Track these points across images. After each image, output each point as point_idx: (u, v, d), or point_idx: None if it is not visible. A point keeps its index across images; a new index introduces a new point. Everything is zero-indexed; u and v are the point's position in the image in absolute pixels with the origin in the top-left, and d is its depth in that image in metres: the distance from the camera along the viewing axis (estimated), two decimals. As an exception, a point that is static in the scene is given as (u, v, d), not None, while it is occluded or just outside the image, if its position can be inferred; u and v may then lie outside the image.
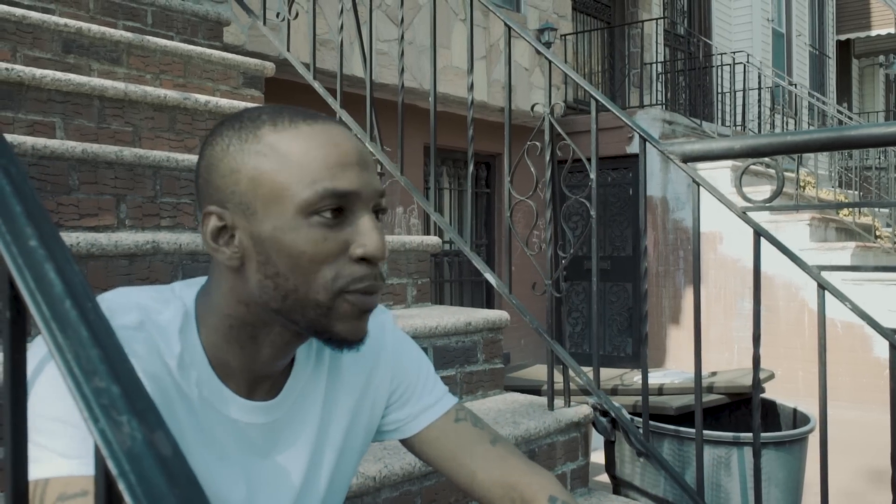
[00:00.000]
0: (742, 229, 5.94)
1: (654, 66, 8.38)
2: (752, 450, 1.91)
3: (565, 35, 7.29)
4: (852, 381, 5.74)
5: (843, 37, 13.12)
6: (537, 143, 2.32)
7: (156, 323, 0.78)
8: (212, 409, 0.81)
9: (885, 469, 1.83)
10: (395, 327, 1.00)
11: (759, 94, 8.58)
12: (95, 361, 0.49)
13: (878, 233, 7.24)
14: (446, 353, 2.18)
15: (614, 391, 2.44)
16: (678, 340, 6.72)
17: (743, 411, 2.47)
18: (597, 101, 2.28)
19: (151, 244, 1.80)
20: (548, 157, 2.35)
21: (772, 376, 2.55)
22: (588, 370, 2.18)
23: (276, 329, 0.80)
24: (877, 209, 8.27)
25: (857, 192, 8.75)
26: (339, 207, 0.75)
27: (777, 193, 1.91)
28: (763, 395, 2.50)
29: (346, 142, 0.77)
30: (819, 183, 9.18)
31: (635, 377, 2.56)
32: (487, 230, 7.09)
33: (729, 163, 6.61)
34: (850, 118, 11.87)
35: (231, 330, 0.80)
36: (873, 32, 12.90)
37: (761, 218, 6.16)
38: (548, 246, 2.31)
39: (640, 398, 2.22)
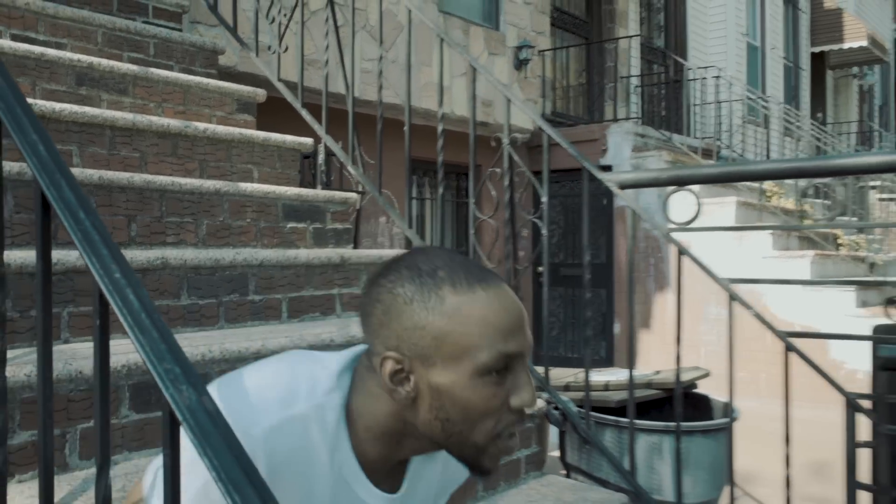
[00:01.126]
0: (707, 238, 6.28)
1: (629, 80, 8.72)
2: (681, 437, 2.22)
3: (543, 51, 7.61)
4: (810, 381, 6.05)
5: (816, 49, 13.52)
6: (497, 170, 2.63)
7: (320, 406, 0.90)
8: (347, 488, 0.92)
9: (827, 462, 2.13)
10: None
11: (731, 107, 8.93)
12: (164, 352, 0.80)
13: (839, 241, 7.59)
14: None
15: (567, 388, 2.75)
16: (648, 343, 7.04)
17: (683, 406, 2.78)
18: (549, 135, 2.58)
19: (161, 260, 2.09)
20: (506, 183, 2.65)
21: (706, 374, 2.86)
22: (543, 370, 2.49)
23: (423, 443, 0.91)
24: (842, 218, 8.62)
25: (823, 201, 9.12)
26: (506, 366, 0.86)
27: (695, 217, 2.22)
28: (697, 391, 2.82)
29: (514, 305, 0.87)
30: (791, 192, 9.54)
31: (592, 375, 2.87)
32: (467, 239, 7.39)
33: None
34: (823, 129, 12.27)
35: (383, 436, 0.91)
36: (846, 45, 13.31)
37: (730, 223, 6.50)
38: (506, 261, 2.62)
39: (586, 393, 2.54)
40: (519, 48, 7.06)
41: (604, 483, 2.40)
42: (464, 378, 0.84)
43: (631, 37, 8.54)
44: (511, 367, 0.86)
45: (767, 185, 7.95)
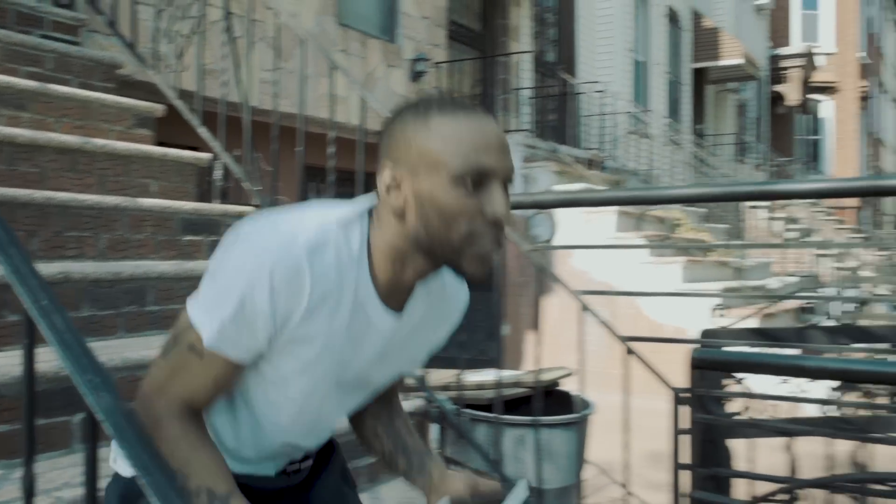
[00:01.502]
0: (596, 252, 6.71)
1: (521, 92, 9.13)
2: (543, 429, 2.53)
3: (440, 63, 7.91)
4: (676, 378, 6.59)
5: (697, 65, 14.40)
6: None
7: (342, 244, 1.02)
8: (361, 311, 1.05)
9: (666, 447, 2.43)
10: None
11: (616, 120, 9.48)
12: (86, 365, 1.01)
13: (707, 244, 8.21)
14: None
15: (447, 388, 3.02)
16: (534, 343, 7.44)
17: (548, 400, 3.11)
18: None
19: (62, 274, 2.24)
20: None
21: (569, 374, 3.20)
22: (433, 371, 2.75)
23: (420, 260, 1.04)
24: (715, 224, 9.30)
25: (697, 209, 9.79)
26: (479, 180, 0.98)
27: (552, 236, 2.52)
28: (560, 388, 3.15)
29: (493, 130, 1.01)
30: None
31: (468, 376, 3.16)
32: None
33: (582, 185, 7.40)
34: (702, 140, 13.10)
35: (391, 256, 1.04)
36: (723, 62, 14.23)
37: (610, 235, 6.97)
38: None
39: (465, 392, 2.82)
40: (415, 60, 7.33)
41: (477, 473, 2.68)
42: (441, 184, 0.97)
43: (523, 52, 8.96)
44: (486, 183, 0.98)
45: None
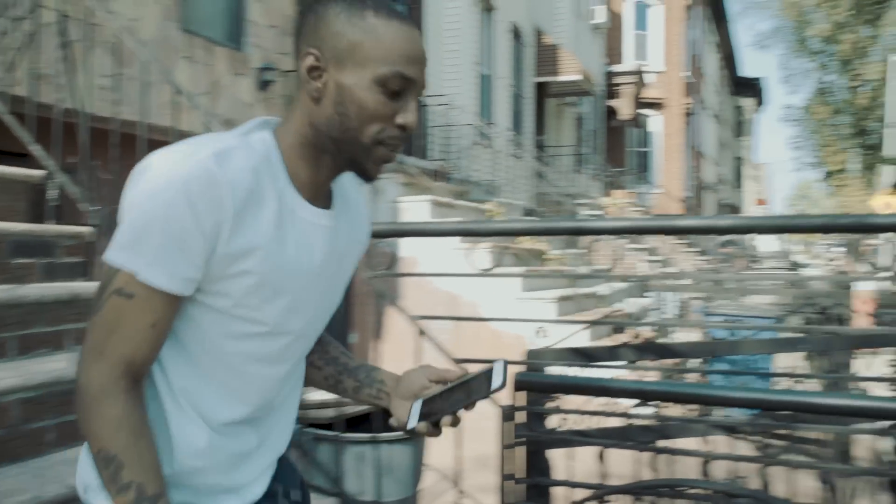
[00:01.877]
0: (435, 255, 6.94)
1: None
2: (383, 445, 2.66)
3: (288, 71, 7.89)
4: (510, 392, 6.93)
5: (539, 80, 15.09)
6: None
7: (247, 148, 1.01)
8: (291, 214, 1.04)
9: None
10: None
11: (461, 131, 9.79)
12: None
13: (546, 257, 8.67)
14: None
15: (290, 406, 3.09)
16: (382, 353, 7.59)
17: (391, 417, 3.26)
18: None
19: None
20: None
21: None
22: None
23: (329, 157, 1.06)
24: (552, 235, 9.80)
25: (533, 219, 10.27)
26: (400, 88, 1.02)
27: (391, 265, 2.66)
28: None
29: (420, 43, 1.04)
30: (511, 212, 10.64)
31: (310, 394, 3.24)
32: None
33: (429, 196, 7.62)
34: (543, 151, 13.69)
35: (302, 148, 1.05)
36: (562, 78, 15.00)
37: (456, 242, 7.22)
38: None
39: (307, 411, 2.91)
40: (263, 69, 7.28)
41: (319, 490, 2.78)
42: (365, 82, 1.00)
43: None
44: (404, 93, 1.02)
45: (489, 205, 8.87)
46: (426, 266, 7.44)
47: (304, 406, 3.02)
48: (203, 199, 0.94)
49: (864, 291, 7.33)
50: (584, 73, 15.31)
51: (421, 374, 1.16)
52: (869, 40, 28.71)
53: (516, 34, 14.09)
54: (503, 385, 1.05)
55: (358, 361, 1.27)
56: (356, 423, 2.99)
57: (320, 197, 1.09)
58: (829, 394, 2.34)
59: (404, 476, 2.87)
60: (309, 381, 1.27)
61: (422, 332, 2.70)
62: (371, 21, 1.01)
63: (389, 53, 1.00)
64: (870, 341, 3.25)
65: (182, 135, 3.49)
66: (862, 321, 6.53)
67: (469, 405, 1.07)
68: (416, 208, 7.47)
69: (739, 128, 45.40)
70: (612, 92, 19.78)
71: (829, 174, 36.99)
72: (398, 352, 7.17)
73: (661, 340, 6.19)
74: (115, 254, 0.96)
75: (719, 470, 2.19)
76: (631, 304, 8.78)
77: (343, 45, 1.01)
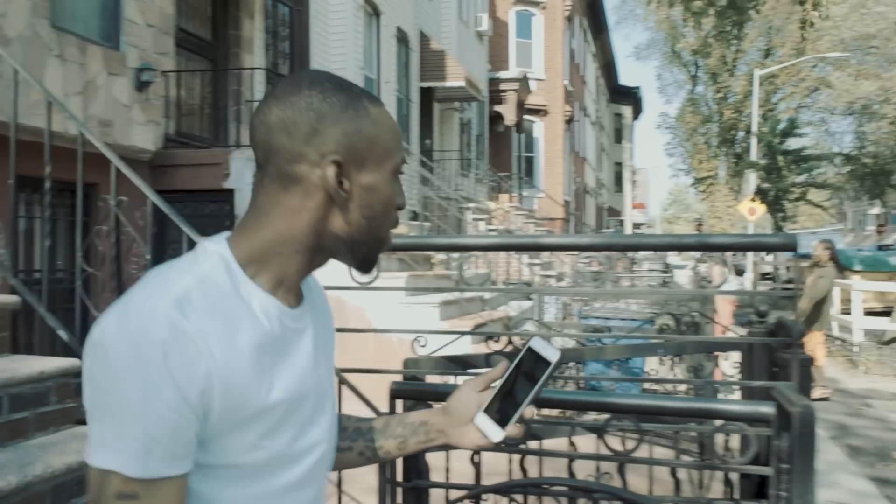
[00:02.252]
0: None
1: (253, 105, 9.14)
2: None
3: (167, 72, 7.70)
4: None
5: (425, 85, 15.28)
6: (103, 227, 2.86)
7: (204, 280, 0.89)
8: (280, 325, 0.95)
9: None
10: None
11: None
12: None
13: (432, 261, 8.83)
14: (21, 399, 2.63)
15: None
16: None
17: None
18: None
19: None
20: (113, 240, 2.90)
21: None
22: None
23: (326, 256, 1.00)
24: (437, 239, 9.98)
25: (427, 224, 10.44)
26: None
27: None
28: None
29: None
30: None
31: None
32: (89, 260, 7.19)
33: (312, 202, 7.62)
34: (430, 156, 13.86)
35: (302, 252, 0.96)
36: (448, 84, 15.25)
37: None
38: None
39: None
40: (140, 70, 7.08)
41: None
42: (386, 176, 0.97)
43: (255, 68, 8.97)
44: (398, 174, 1.01)
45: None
46: (324, 278, 7.43)
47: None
48: (184, 364, 0.83)
49: (724, 298, 7.87)
50: (469, 80, 15.61)
51: (467, 390, 1.11)
52: (734, 55, 30.57)
53: (402, 39, 14.22)
54: (560, 356, 1.04)
55: (381, 419, 1.21)
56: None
57: (290, 295, 0.99)
58: (669, 397, 2.57)
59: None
60: (345, 465, 1.19)
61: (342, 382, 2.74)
62: (373, 111, 0.97)
63: (395, 140, 0.99)
64: (721, 345, 3.54)
65: (53, 136, 3.39)
66: (724, 322, 7.01)
67: (540, 389, 1.04)
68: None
69: (619, 134, 47.32)
70: (497, 98, 20.25)
71: (700, 180, 39.10)
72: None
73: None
74: (99, 456, 0.83)
75: (589, 468, 2.36)
76: (514, 308, 9.06)
77: (362, 144, 0.95)
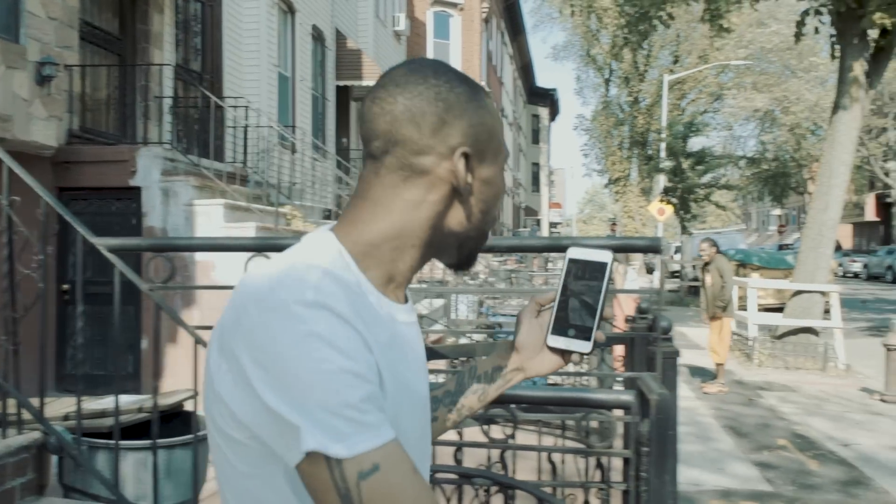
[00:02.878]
0: (232, 259, 6.92)
1: (163, 100, 9.00)
2: (161, 451, 2.74)
3: (71, 66, 7.52)
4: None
5: (341, 83, 15.27)
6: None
7: (330, 273, 0.83)
8: (392, 321, 0.91)
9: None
10: None
11: (261, 133, 9.74)
12: None
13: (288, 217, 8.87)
14: None
15: (66, 417, 3.08)
16: (175, 357, 7.44)
17: (175, 420, 3.33)
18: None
19: None
20: (5, 240, 2.87)
21: (195, 395, 3.44)
22: (38, 402, 2.79)
23: (432, 251, 0.96)
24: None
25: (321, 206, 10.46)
26: None
27: (169, 277, 2.74)
28: (188, 409, 3.38)
29: None
30: (311, 214, 10.74)
31: (89, 404, 3.23)
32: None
33: (222, 200, 7.57)
34: (346, 154, 13.84)
35: (419, 247, 0.93)
36: (364, 82, 15.28)
37: (220, 225, 7.24)
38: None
39: (85, 420, 2.92)
40: (42, 63, 6.90)
41: (96, 498, 2.81)
42: (499, 168, 0.96)
43: (164, 64, 8.83)
44: None
45: (288, 209, 8.94)
46: (222, 270, 7.39)
47: (82, 415, 3.03)
48: (351, 348, 0.78)
49: (626, 296, 8.20)
50: (385, 79, 15.64)
51: (527, 321, 1.10)
52: (645, 60, 31.55)
53: (318, 37, 14.17)
54: (612, 256, 1.04)
55: (450, 380, 1.18)
56: (145, 427, 3.03)
57: (401, 290, 0.96)
58: (542, 388, 2.74)
59: (187, 479, 2.95)
60: (434, 435, 1.13)
61: (198, 342, 2.80)
62: (488, 102, 0.95)
63: (503, 133, 0.98)
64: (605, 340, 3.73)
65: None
66: (622, 322, 7.31)
67: (607, 291, 1.03)
68: (210, 212, 7.40)
69: (536, 135, 48.14)
70: (414, 97, 20.31)
71: (613, 181, 40.15)
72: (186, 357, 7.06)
73: (450, 341, 6.59)
74: (316, 439, 0.75)
75: (480, 457, 2.49)
76: (426, 306, 9.19)
77: (485, 136, 0.94)
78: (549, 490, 2.57)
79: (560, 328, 1.05)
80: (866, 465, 5.90)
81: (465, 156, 0.91)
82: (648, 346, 2.84)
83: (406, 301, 0.97)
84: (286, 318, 0.77)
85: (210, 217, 7.39)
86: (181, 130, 9.33)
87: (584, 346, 1.04)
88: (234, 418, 0.82)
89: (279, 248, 2.91)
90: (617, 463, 2.64)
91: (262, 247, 2.58)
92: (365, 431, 0.76)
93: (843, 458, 6.07)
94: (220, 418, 0.84)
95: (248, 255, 2.55)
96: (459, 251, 0.98)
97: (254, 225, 7.43)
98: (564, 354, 1.08)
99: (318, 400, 0.75)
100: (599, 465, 2.35)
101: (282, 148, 11.10)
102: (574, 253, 1.06)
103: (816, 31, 11.35)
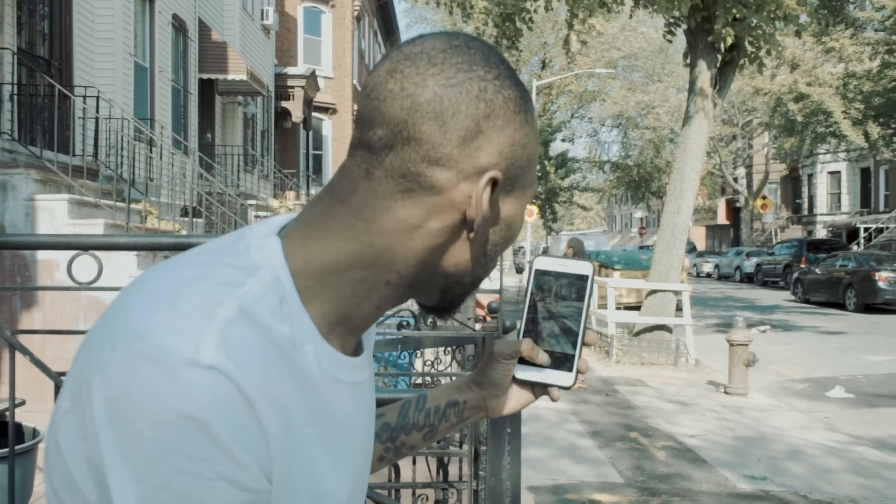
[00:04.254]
0: (77, 259, 6.50)
1: (2, 89, 8.36)
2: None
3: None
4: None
5: (205, 76, 14.73)
6: None
7: (250, 311, 0.61)
8: (332, 380, 0.69)
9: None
10: None
11: (114, 125, 9.22)
12: None
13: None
14: None
15: None
16: (21, 362, 6.92)
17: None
18: None
19: None
20: None
21: (22, 403, 3.19)
22: None
23: (410, 293, 0.74)
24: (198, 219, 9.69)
25: (200, 220, 10.07)
26: None
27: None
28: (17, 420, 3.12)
29: None
30: (169, 211, 10.29)
31: None
32: None
33: (67, 196, 7.11)
34: (210, 150, 13.35)
35: (384, 287, 0.70)
36: (230, 76, 14.81)
37: (64, 221, 6.83)
38: None
39: None
40: None
41: None
42: (524, 207, 0.75)
43: (2, 48, 8.20)
44: None
45: (143, 205, 8.52)
46: (65, 269, 6.93)
47: None
48: (239, 445, 0.58)
49: (482, 295, 8.31)
50: (252, 73, 15.25)
51: (496, 354, 0.88)
52: (515, 64, 32.32)
53: (179, 27, 13.61)
54: (593, 268, 0.87)
55: (391, 412, 0.96)
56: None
57: (353, 337, 0.73)
58: (381, 390, 2.70)
59: (3, 495, 2.72)
60: (373, 470, 0.95)
61: (14, 348, 2.57)
62: (534, 126, 0.73)
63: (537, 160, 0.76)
64: (456, 340, 3.75)
65: None
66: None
67: (588, 310, 0.86)
68: (53, 207, 6.94)
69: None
70: (284, 94, 19.94)
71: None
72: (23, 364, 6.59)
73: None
74: None
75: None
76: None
77: (523, 162, 0.71)
78: (395, 492, 2.54)
79: (523, 361, 0.87)
80: (709, 453, 6.24)
81: (494, 182, 0.69)
82: (495, 344, 2.86)
83: (359, 352, 0.76)
84: (162, 381, 0.56)
85: (54, 213, 6.93)
86: (23, 120, 8.69)
87: (565, 379, 0.86)
88: (74, 484, 0.60)
89: (126, 248, 2.73)
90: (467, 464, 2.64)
91: (105, 245, 2.41)
92: None
93: (689, 448, 6.39)
94: (57, 478, 0.62)
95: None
96: (443, 295, 0.76)
97: (102, 222, 7.03)
98: (536, 388, 0.89)
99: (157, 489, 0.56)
100: (441, 465, 2.33)
101: (137, 142, 10.56)
102: (543, 264, 0.87)
103: (667, 39, 11.93)
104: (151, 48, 12.29)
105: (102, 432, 0.57)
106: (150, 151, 10.97)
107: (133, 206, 8.26)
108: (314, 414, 0.66)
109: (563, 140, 25.58)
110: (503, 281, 12.39)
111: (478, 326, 3.61)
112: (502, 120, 0.68)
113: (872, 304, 18.76)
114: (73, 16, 10.14)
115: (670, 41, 12.08)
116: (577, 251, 9.16)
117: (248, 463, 0.58)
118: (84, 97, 9.06)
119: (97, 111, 9.12)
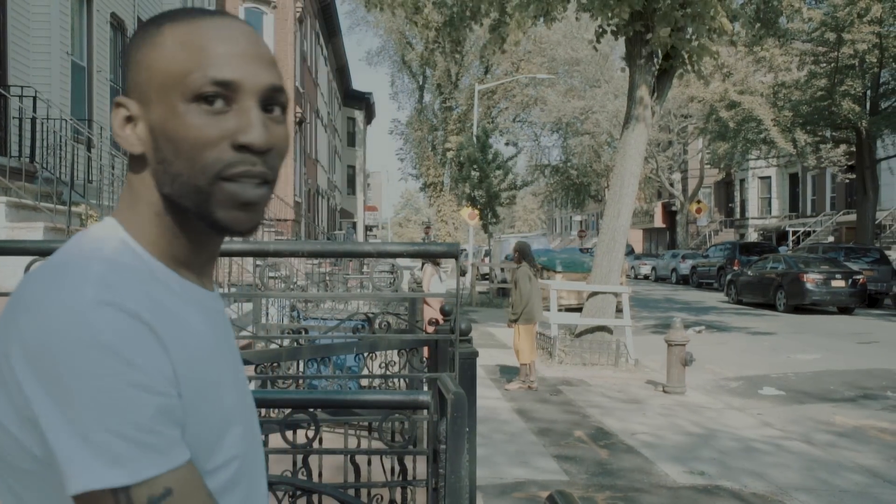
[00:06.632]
0: (16, 263, 6.35)
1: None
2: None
3: None
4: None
5: (145, 76, 14.45)
6: None
7: (114, 263, 0.75)
8: (192, 300, 0.82)
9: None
10: None
11: (50, 126, 9.01)
12: None
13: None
14: None
15: None
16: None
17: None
18: None
19: None
20: None
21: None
22: None
23: (189, 219, 0.82)
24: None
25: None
26: (224, 96, 0.78)
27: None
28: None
29: (241, 35, 0.81)
30: (110, 213, 10.08)
31: None
32: None
33: (4, 198, 6.94)
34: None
35: (160, 220, 0.82)
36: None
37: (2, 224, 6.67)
38: None
39: None
40: None
41: None
42: (173, 107, 0.77)
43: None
44: (235, 101, 0.78)
45: (83, 208, 8.35)
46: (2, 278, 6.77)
47: None
48: (141, 355, 0.70)
49: (432, 297, 8.42)
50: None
51: None
52: (458, 69, 32.53)
53: (118, 27, 13.35)
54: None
55: None
56: None
57: (204, 274, 0.87)
58: (343, 392, 2.78)
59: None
60: None
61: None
62: (167, 32, 0.80)
63: (193, 58, 0.78)
64: (410, 342, 3.84)
65: None
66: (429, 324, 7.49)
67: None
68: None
69: (352, 138, 48.13)
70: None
71: (427, 185, 41.00)
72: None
73: (259, 347, 6.45)
74: (99, 476, 0.67)
75: (284, 462, 2.46)
76: (235, 309, 8.91)
77: (143, 77, 0.80)
78: (354, 491, 2.60)
79: None
80: (650, 450, 6.44)
81: (119, 105, 0.82)
82: (450, 347, 2.95)
83: (213, 290, 0.89)
84: (65, 324, 0.68)
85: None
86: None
87: None
88: (18, 444, 0.71)
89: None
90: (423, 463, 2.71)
91: (48, 250, 2.40)
92: (152, 454, 0.68)
93: (631, 446, 6.58)
94: (3, 447, 0.72)
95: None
96: (194, 214, 0.81)
97: (42, 225, 6.88)
98: None
99: (99, 421, 0.66)
100: (401, 465, 2.40)
101: (76, 143, 10.34)
102: None
103: (594, 47, 12.19)
104: (89, 47, 12.03)
105: (26, 382, 0.68)
106: (90, 153, 10.74)
107: (73, 208, 8.10)
108: (203, 331, 0.80)
109: (507, 144, 25.89)
110: (443, 286, 12.49)
111: (430, 329, 3.69)
112: (126, 55, 0.84)
113: (801, 305, 19.49)
114: (6, 13, 9.87)
115: (596, 49, 12.34)
116: (524, 254, 9.26)
117: (152, 369, 0.70)
118: (20, 97, 8.84)
119: (34, 111, 8.91)
